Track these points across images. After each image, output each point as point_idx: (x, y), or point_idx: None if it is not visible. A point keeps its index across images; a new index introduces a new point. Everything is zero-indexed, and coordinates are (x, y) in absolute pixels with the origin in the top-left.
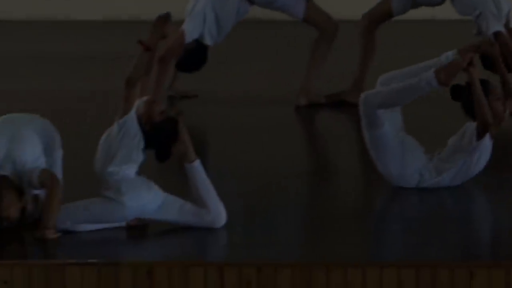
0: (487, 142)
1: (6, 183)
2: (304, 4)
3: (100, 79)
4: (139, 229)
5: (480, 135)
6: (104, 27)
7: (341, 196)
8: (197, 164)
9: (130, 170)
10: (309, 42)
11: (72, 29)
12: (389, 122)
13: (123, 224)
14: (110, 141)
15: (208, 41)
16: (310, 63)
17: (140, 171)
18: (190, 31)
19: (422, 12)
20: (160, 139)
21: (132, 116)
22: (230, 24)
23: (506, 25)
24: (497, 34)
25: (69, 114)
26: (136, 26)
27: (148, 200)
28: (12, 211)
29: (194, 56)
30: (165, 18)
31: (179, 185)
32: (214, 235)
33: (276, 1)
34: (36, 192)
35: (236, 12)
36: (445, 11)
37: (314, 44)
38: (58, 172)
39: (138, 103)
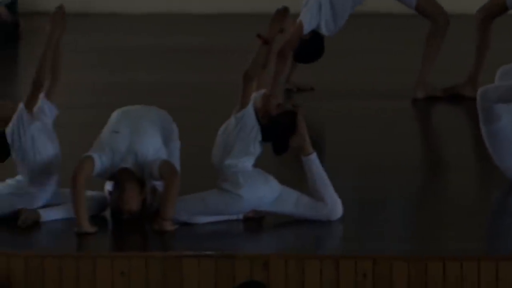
0: None
1: (128, 176)
2: None
3: (216, 72)
4: (256, 222)
5: None
6: (220, 21)
7: (457, 190)
8: (314, 157)
9: (248, 162)
10: (425, 35)
11: (189, 23)
12: (508, 116)
13: (240, 216)
14: (227, 134)
15: (324, 31)
16: (424, 56)
17: (258, 164)
18: (308, 22)
19: None
20: (277, 132)
21: (249, 109)
22: (346, 14)
23: None
24: None
25: (185, 106)
26: (253, 19)
27: (264, 193)
28: (134, 204)
29: (310, 47)
30: (284, 12)
31: (295, 177)
32: (329, 227)
33: None
34: (155, 183)
35: (352, 0)
36: None
37: (428, 37)
38: (176, 163)
39: (255, 96)
